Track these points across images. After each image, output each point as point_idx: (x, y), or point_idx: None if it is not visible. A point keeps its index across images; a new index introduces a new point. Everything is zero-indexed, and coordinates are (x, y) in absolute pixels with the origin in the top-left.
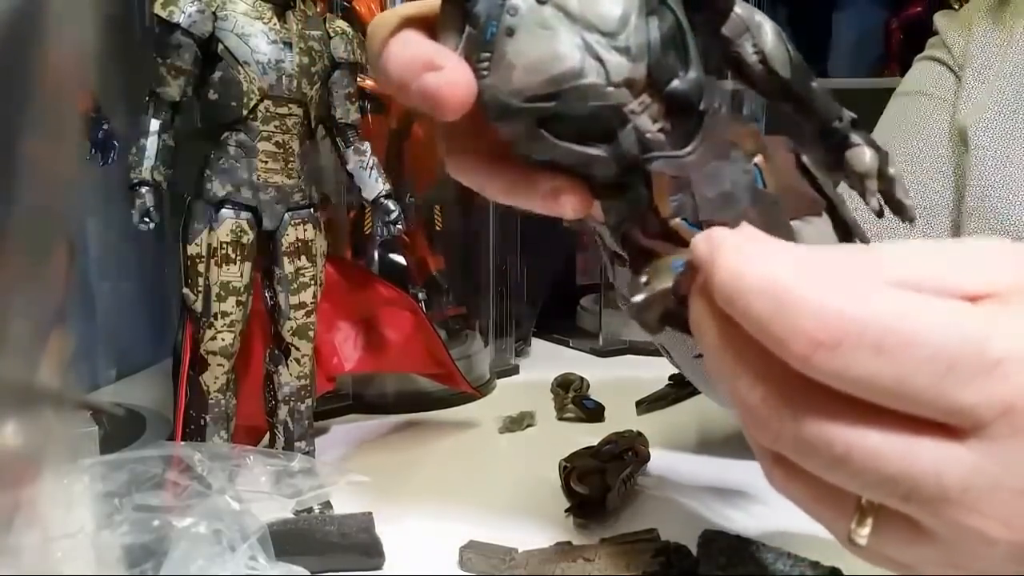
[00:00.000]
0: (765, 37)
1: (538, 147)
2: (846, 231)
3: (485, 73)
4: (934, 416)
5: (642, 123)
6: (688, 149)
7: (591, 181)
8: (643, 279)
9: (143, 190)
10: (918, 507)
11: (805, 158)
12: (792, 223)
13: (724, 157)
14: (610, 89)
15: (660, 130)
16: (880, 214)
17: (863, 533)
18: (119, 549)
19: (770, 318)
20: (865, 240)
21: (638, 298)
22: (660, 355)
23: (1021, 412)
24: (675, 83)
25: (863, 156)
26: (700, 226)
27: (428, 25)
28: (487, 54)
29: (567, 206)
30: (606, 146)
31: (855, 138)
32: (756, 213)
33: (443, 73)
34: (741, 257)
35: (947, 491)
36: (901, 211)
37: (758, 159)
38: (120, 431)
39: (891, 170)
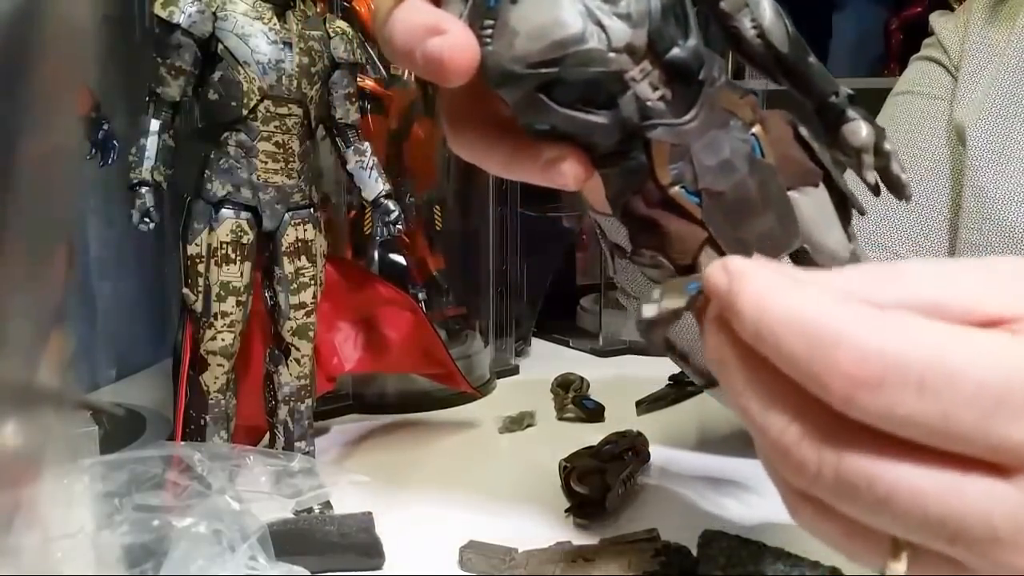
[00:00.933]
0: (763, 12)
1: (539, 115)
2: (843, 202)
3: (488, 40)
4: (981, 454)
5: (642, 90)
6: (688, 117)
7: (592, 151)
8: (655, 296)
9: (143, 190)
10: (965, 548)
11: (802, 129)
12: (789, 193)
13: (723, 126)
14: (611, 55)
15: (660, 98)
16: (876, 191)
17: (899, 568)
18: (119, 549)
19: (804, 356)
20: (861, 210)
21: (647, 315)
22: (660, 355)
23: None
24: (675, 50)
25: (859, 130)
26: (699, 194)
27: None
28: (490, 21)
29: (568, 175)
30: (607, 113)
31: (851, 113)
32: (754, 182)
33: (447, 37)
34: (764, 288)
35: (997, 531)
36: (898, 187)
37: (756, 129)
38: (120, 431)
39: (887, 145)
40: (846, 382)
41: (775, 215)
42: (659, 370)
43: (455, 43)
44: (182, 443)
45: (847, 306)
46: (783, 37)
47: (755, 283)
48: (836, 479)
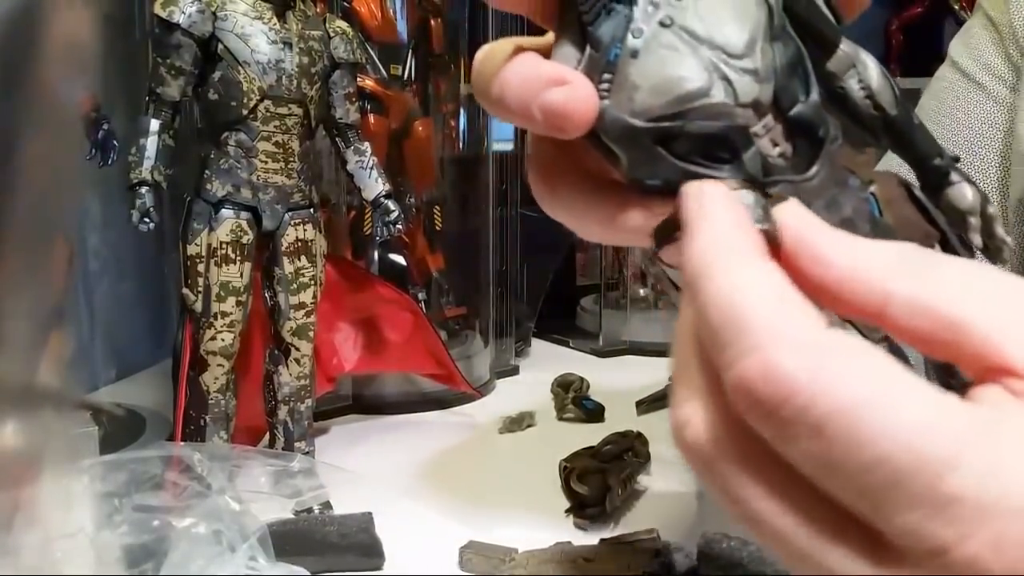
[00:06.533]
0: (871, 74)
1: (656, 169)
2: None
3: (606, 94)
4: (857, 512)
5: (764, 146)
6: (809, 174)
7: None
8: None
9: (143, 190)
10: None
11: (916, 190)
12: None
13: (843, 184)
14: (738, 109)
15: (780, 155)
16: (973, 254)
17: None
18: (119, 549)
19: (721, 343)
20: None
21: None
22: (660, 355)
23: (952, 558)
24: (799, 107)
25: (966, 194)
26: None
27: (540, 54)
28: (609, 75)
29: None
30: (729, 168)
31: (955, 176)
32: None
33: (570, 88)
34: (714, 246)
35: None
36: (1000, 251)
37: (873, 188)
38: (120, 431)
39: (991, 209)
40: (745, 393)
41: None
42: (659, 370)
43: (579, 94)
44: (182, 443)
45: (788, 309)
46: (892, 99)
47: (709, 231)
48: (712, 478)
